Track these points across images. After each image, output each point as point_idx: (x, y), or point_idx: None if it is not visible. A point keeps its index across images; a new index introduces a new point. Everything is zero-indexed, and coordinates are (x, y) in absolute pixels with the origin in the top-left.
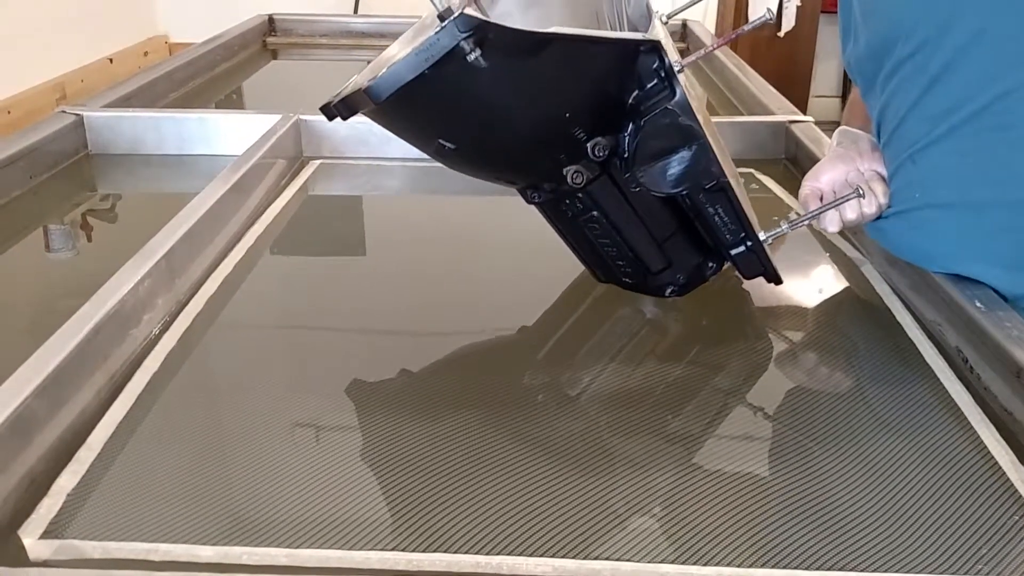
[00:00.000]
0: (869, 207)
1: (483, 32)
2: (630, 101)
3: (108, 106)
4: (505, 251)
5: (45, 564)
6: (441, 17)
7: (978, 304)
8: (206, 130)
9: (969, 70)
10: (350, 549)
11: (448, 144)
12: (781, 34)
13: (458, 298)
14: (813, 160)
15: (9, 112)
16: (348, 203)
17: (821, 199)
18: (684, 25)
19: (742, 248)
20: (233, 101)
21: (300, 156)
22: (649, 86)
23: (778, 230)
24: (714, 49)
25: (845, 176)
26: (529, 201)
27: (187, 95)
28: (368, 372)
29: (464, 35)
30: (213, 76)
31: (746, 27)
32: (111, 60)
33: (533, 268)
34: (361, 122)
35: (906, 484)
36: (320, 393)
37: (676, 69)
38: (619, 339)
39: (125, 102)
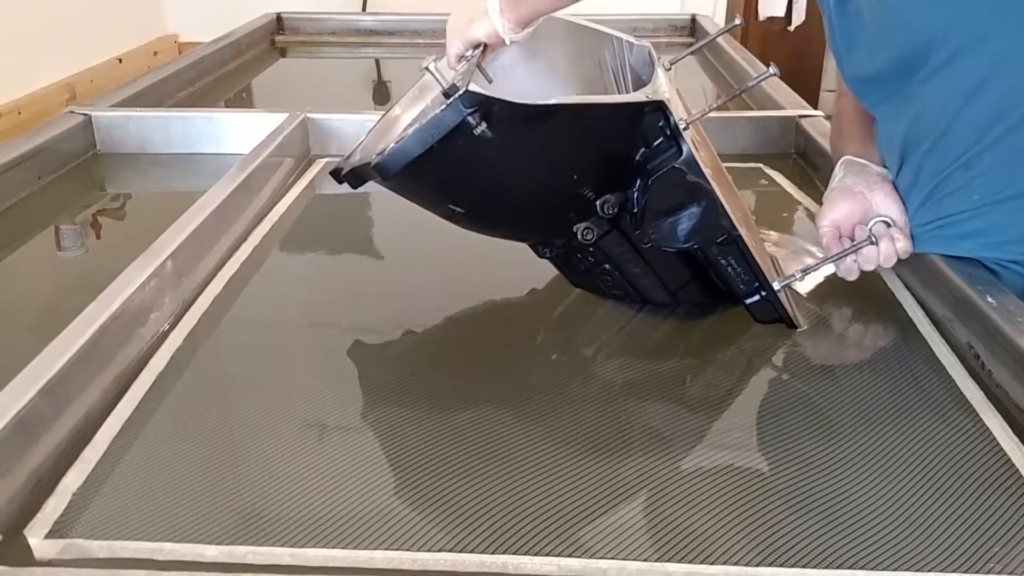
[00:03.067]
0: (888, 261)
1: (488, 107)
2: (637, 158)
3: (116, 106)
4: (515, 247)
5: (50, 564)
6: (446, 94)
7: (990, 299)
8: (214, 129)
9: (1015, 74)
10: (355, 548)
11: (458, 209)
12: (791, 28)
13: (467, 298)
14: (823, 154)
15: (20, 113)
16: (355, 201)
17: (840, 237)
18: (693, 20)
19: (756, 298)
20: (242, 100)
21: (308, 154)
22: (655, 143)
23: (791, 278)
24: (717, 107)
25: (861, 214)
26: (541, 256)
27: (195, 94)
28: (374, 371)
29: (469, 111)
30: (222, 75)
31: (750, 83)
32: (120, 60)
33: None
34: (369, 120)
35: (917, 482)
36: (325, 392)
37: (682, 126)
38: (619, 325)
39: (133, 102)
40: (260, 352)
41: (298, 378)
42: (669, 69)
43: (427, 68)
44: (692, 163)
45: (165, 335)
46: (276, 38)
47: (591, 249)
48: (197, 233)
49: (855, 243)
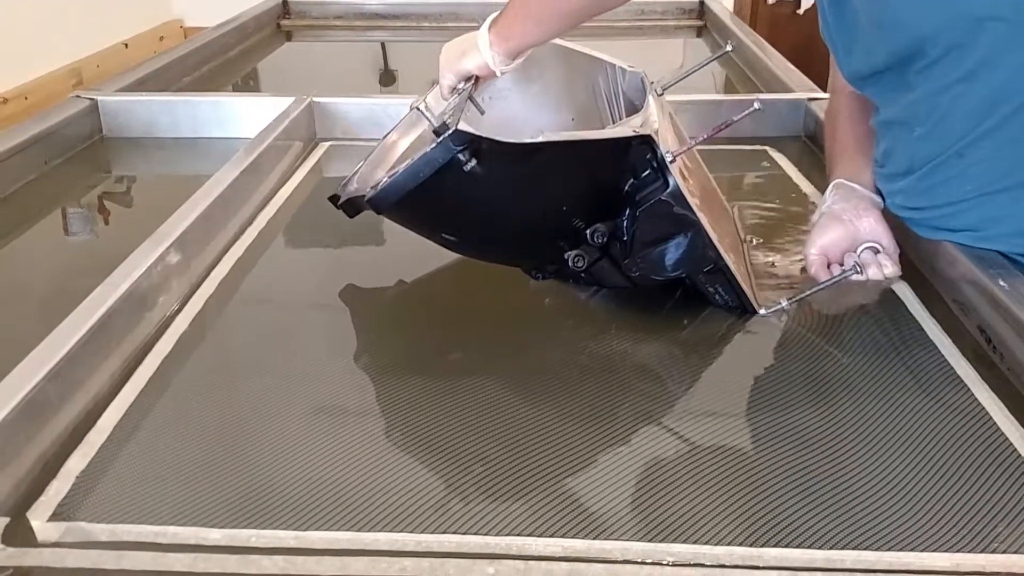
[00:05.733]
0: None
1: (476, 145)
2: (626, 188)
3: (122, 90)
4: None
5: (55, 545)
6: (436, 132)
7: (1002, 283)
8: (220, 113)
9: (1010, 62)
10: (359, 531)
11: (450, 238)
12: (800, 11)
13: (473, 276)
14: None
15: (26, 98)
16: None
17: (828, 265)
18: (701, 3)
19: None
20: (248, 84)
21: (313, 138)
22: (643, 175)
23: (777, 306)
24: (704, 141)
25: (850, 241)
26: (534, 279)
27: (201, 78)
28: (380, 352)
29: (459, 149)
30: (227, 59)
31: (735, 118)
32: (126, 45)
33: None
34: (375, 103)
35: (919, 462)
36: (329, 376)
37: (669, 160)
38: (614, 306)
39: (139, 86)
40: (266, 335)
41: (303, 362)
42: (661, 95)
43: (416, 108)
44: (679, 196)
45: (171, 318)
46: (282, 22)
47: (582, 275)
48: (204, 217)
49: (842, 272)
